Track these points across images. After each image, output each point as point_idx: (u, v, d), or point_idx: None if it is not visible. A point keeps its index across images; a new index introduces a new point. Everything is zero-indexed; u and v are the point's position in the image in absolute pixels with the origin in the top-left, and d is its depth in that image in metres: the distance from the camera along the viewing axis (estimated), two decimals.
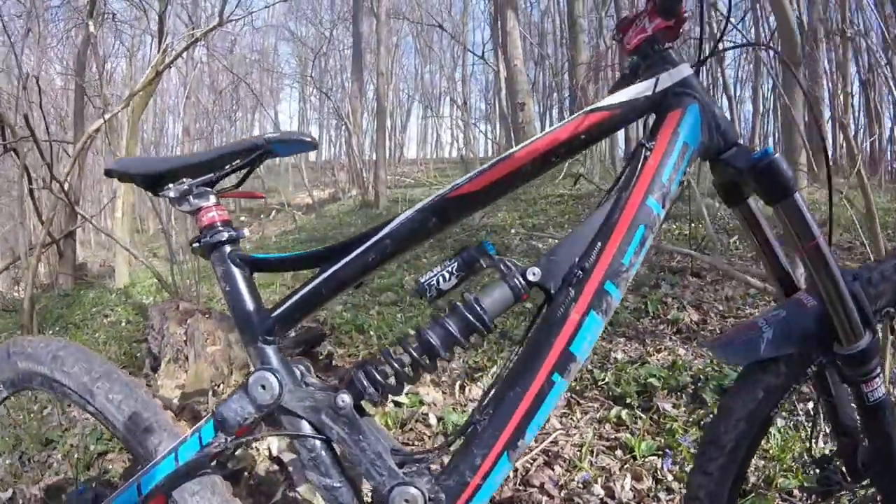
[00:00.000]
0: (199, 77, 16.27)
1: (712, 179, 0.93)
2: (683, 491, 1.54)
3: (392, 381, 0.87)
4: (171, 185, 0.93)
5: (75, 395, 0.95)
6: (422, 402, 2.10)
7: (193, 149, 14.80)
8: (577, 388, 2.19)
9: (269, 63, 23.41)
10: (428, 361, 0.86)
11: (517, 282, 0.83)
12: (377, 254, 0.88)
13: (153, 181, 0.94)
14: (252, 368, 0.91)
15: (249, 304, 0.92)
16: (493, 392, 0.87)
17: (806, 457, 1.60)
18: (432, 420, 1.97)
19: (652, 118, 0.87)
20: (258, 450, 1.50)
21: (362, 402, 0.90)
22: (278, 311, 0.91)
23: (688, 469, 1.59)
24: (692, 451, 1.69)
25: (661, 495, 1.52)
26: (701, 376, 2.19)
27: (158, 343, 2.41)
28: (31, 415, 2.48)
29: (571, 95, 13.50)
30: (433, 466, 0.88)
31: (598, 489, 1.53)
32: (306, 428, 0.89)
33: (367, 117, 20.37)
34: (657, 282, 3.34)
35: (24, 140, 4.67)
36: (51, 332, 4.79)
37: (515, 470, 1.67)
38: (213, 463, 0.90)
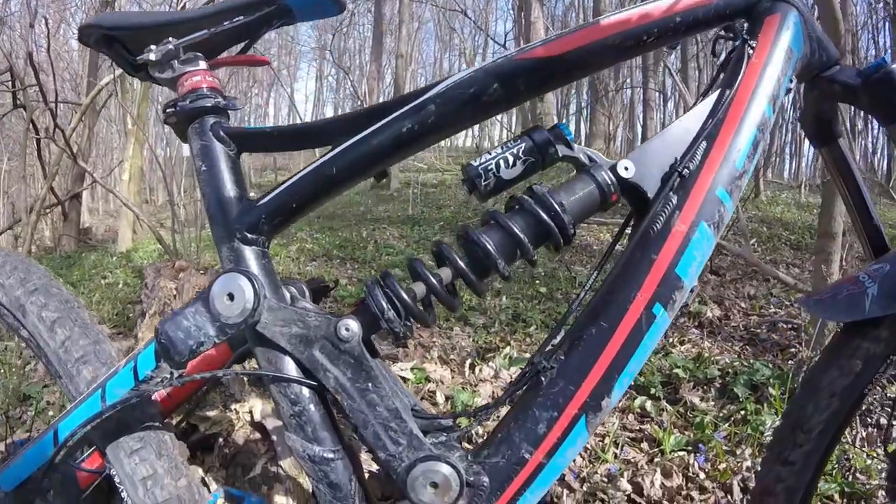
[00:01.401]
0: None
1: (800, 114, 0.82)
2: (717, 490, 1.38)
3: (420, 305, 0.63)
4: (152, 47, 0.72)
5: (9, 316, 0.74)
6: (428, 379, 1.94)
7: None
8: None
9: (287, 39, 23.37)
10: (475, 277, 0.62)
11: (605, 177, 0.63)
12: (415, 123, 0.66)
13: (132, 42, 0.73)
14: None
15: (230, 189, 0.69)
16: (564, 331, 0.64)
17: (865, 454, 1.44)
18: (440, 398, 1.81)
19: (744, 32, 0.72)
20: (237, 412, 1.30)
21: (375, 338, 0.66)
22: (268, 197, 0.69)
23: (721, 467, 1.44)
24: (725, 447, 1.54)
25: (694, 494, 1.36)
26: (730, 370, 2.06)
27: (150, 300, 2.26)
28: (14, 370, 2.34)
29: (591, 89, 13.41)
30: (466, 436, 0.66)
31: (624, 484, 1.36)
32: (289, 367, 0.63)
33: (383, 100, 20.25)
34: None
35: (31, 91, 4.56)
36: None
37: None
38: (172, 420, 0.69)
